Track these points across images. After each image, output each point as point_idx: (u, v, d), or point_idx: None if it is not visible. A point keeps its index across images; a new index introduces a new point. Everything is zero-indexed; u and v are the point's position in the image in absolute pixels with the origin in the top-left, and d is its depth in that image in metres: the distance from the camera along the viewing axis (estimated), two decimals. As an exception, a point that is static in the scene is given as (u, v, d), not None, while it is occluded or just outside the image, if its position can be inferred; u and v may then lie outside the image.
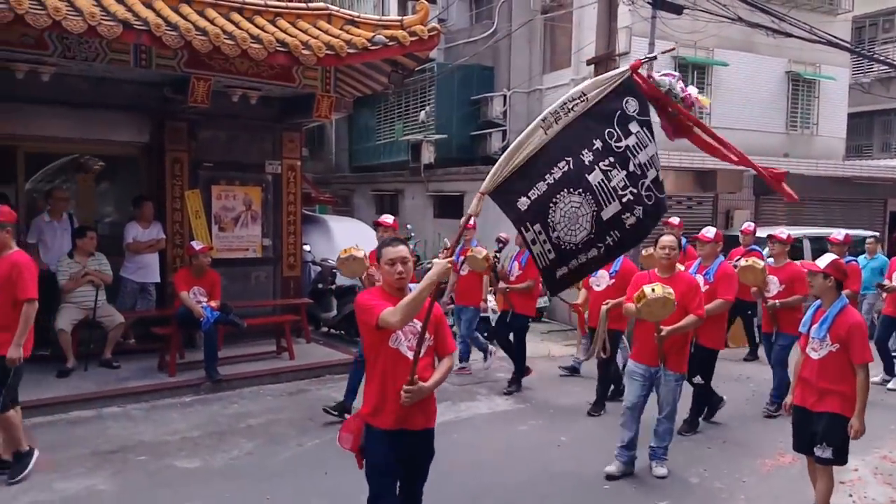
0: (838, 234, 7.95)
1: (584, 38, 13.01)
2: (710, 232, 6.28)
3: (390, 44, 7.71)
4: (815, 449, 4.24)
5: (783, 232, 7.12)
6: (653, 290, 4.65)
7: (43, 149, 8.05)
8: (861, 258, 9.43)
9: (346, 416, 5.79)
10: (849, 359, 4.13)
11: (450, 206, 15.83)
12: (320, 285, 9.96)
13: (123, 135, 8.17)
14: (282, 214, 9.07)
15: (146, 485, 4.89)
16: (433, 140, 15.28)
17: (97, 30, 5.91)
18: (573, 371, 8.23)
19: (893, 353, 8.46)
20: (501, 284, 7.74)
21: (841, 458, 4.25)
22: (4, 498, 4.58)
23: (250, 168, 8.86)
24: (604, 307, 6.45)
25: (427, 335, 3.28)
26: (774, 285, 6.85)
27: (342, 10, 8.28)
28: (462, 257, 7.61)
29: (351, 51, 7.39)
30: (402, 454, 3.33)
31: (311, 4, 8.04)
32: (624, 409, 5.25)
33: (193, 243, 7.46)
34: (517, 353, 7.55)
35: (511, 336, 7.63)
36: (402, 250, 3.33)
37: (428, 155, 15.27)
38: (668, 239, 5.20)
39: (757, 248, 8.73)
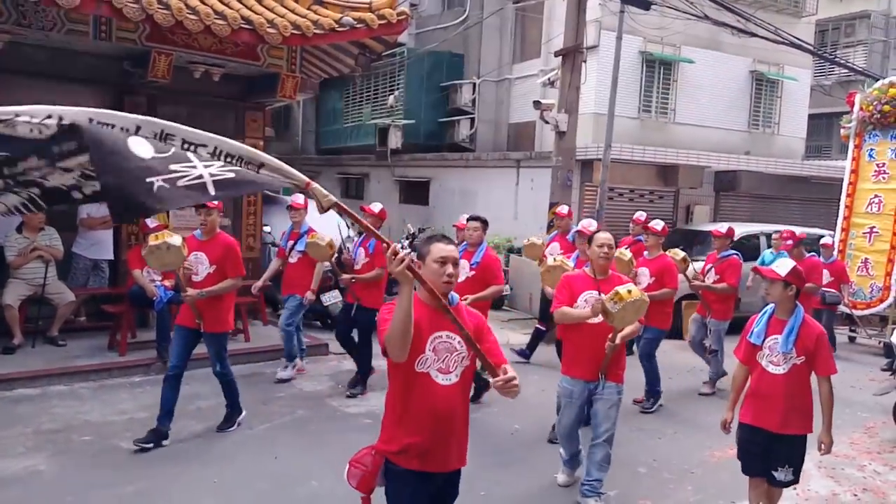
0: (721, 227, 7.84)
1: (554, 30, 13.05)
2: (592, 226, 6.13)
3: (358, 26, 7.63)
4: (775, 473, 3.96)
5: (658, 223, 7.03)
6: (629, 291, 4.03)
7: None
8: (767, 252, 9.59)
9: (164, 442, 5.14)
10: (808, 372, 3.88)
11: (415, 192, 15.80)
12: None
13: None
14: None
15: (89, 465, 4.79)
16: (401, 125, 15.20)
17: (53, -3, 5.73)
18: (522, 354, 8.24)
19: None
20: (345, 276, 6.78)
21: (798, 477, 4.07)
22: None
23: (211, 146, 8.69)
24: (463, 302, 6.20)
25: (462, 351, 2.90)
26: (645, 277, 6.69)
27: (310, -11, 8.15)
28: (291, 241, 7.08)
29: (318, 31, 7.30)
30: (427, 498, 2.91)
31: (277, -18, 7.91)
32: (562, 434, 4.82)
33: (148, 221, 7.29)
34: (361, 353, 6.74)
35: (355, 333, 6.84)
36: (455, 250, 2.88)
37: (395, 140, 15.19)
38: (604, 236, 4.55)
39: (642, 238, 8.75)
